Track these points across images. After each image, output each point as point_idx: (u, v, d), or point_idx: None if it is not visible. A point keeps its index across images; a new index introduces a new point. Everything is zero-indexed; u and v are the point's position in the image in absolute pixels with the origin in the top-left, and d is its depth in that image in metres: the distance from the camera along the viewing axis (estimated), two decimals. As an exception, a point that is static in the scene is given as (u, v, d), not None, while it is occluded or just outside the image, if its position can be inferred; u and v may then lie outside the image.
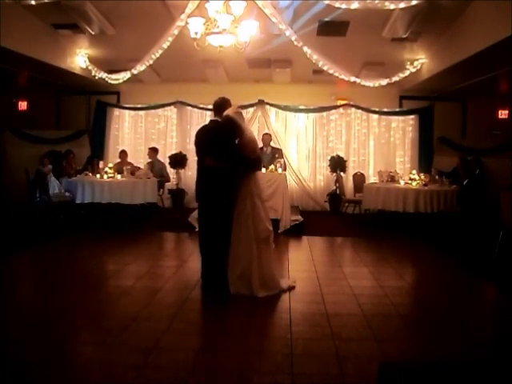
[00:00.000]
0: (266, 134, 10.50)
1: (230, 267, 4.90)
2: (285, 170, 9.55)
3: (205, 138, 5.12)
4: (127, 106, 12.44)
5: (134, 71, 9.42)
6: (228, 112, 5.02)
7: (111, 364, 3.32)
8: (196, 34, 6.89)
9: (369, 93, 10.90)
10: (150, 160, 11.10)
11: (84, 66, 10.24)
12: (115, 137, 12.53)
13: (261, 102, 11.73)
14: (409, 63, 10.04)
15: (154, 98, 12.07)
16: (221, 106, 5.17)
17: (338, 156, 11.61)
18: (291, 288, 5.10)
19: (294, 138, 12.18)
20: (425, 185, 9.25)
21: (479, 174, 10.06)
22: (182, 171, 11.76)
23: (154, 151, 11.22)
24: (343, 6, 7.16)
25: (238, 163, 4.98)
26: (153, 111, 12.39)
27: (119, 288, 5.16)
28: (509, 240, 6.42)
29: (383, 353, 3.57)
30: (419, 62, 9.95)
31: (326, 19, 8.26)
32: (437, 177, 9.74)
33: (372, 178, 11.66)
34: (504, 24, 6.25)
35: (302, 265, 6.47)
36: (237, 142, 5.09)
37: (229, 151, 4.97)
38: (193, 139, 5.42)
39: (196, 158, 5.29)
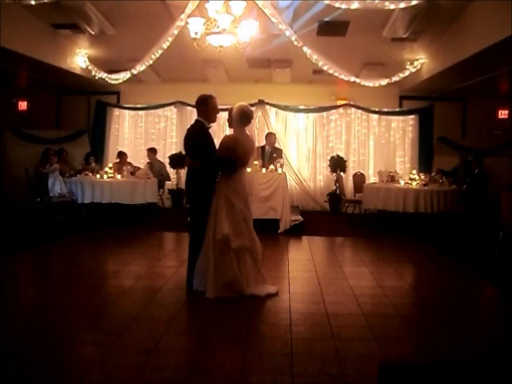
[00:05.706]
0: (271, 133, 10.33)
1: (196, 265, 4.89)
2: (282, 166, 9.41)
3: (186, 138, 5.11)
4: (127, 106, 12.45)
5: (134, 71, 9.42)
6: (241, 103, 4.97)
7: (111, 364, 3.32)
8: (196, 33, 6.89)
9: (369, 93, 10.90)
10: (149, 160, 11.12)
11: (84, 66, 10.25)
12: (115, 137, 12.55)
13: (261, 102, 11.73)
14: (409, 63, 10.04)
15: (154, 98, 12.08)
16: (198, 104, 5.14)
17: (338, 156, 11.61)
18: (273, 295, 4.84)
19: (294, 138, 12.19)
20: (425, 185, 9.26)
21: (479, 173, 10.06)
22: (181, 171, 11.76)
23: (152, 151, 11.24)
24: (343, 6, 7.16)
25: (210, 163, 4.90)
26: (153, 111, 12.41)
27: (119, 288, 5.15)
28: (509, 240, 6.42)
29: (383, 353, 3.56)
30: (419, 62, 9.95)
31: (326, 19, 8.26)
32: (438, 176, 9.75)
33: (372, 178, 11.67)
34: (504, 24, 6.26)
35: (301, 265, 6.46)
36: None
37: (199, 151, 4.91)
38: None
39: None
